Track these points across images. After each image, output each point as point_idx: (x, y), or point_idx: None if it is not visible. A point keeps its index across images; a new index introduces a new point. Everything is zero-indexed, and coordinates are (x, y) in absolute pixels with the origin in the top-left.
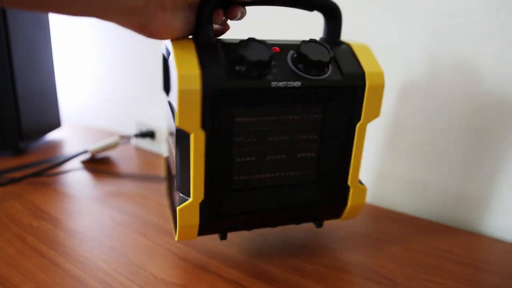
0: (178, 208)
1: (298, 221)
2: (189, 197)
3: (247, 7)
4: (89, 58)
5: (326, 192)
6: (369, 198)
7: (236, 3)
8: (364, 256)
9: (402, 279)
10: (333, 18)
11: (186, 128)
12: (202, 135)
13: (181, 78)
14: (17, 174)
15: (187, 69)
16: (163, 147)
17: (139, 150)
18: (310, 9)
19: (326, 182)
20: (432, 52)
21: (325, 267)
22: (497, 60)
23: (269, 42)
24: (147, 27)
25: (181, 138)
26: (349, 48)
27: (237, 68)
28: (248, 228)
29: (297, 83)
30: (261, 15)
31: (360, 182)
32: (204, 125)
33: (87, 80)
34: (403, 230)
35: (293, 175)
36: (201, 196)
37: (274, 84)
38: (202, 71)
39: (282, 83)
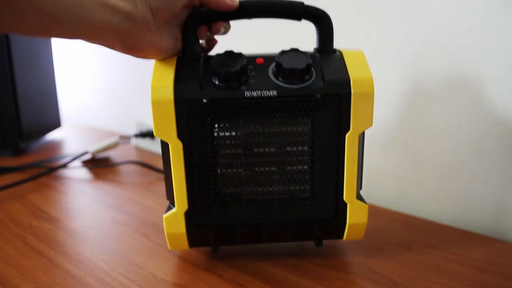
0: (164, 216)
1: (294, 239)
2: (174, 206)
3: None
4: (89, 58)
5: (322, 209)
6: (370, 199)
7: (218, 19)
8: (364, 256)
9: (402, 279)
10: (323, 26)
11: (163, 137)
12: (179, 144)
13: (154, 90)
14: (17, 174)
15: (161, 81)
16: None
17: (139, 150)
18: (298, 18)
19: (321, 197)
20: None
21: (325, 267)
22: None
23: (257, 54)
24: (135, 47)
25: (163, 147)
26: (340, 56)
27: (212, 80)
28: (241, 242)
29: (273, 92)
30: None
31: (360, 198)
32: (180, 135)
33: (87, 80)
34: (403, 230)
35: (286, 190)
36: (185, 206)
37: (248, 93)
38: (176, 82)
39: (256, 92)
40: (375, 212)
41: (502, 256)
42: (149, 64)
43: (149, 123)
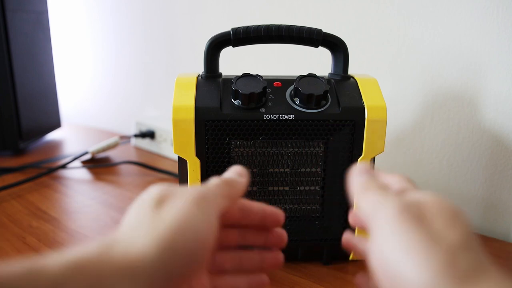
0: None
1: (302, 259)
2: None
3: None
4: (89, 58)
5: (331, 228)
6: None
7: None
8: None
9: None
10: (339, 53)
11: (181, 155)
12: (197, 162)
13: (175, 109)
14: (17, 174)
15: (182, 101)
16: (163, 147)
17: (139, 150)
18: (315, 45)
19: (330, 217)
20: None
21: (325, 267)
22: None
23: (274, 78)
24: None
25: (180, 163)
26: (355, 83)
27: (232, 101)
28: None
29: (290, 116)
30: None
31: None
32: (199, 153)
33: (87, 80)
34: None
35: (297, 209)
36: None
37: (266, 116)
38: (197, 102)
39: (274, 115)
40: None
41: (502, 256)
42: (149, 64)
43: (149, 123)
